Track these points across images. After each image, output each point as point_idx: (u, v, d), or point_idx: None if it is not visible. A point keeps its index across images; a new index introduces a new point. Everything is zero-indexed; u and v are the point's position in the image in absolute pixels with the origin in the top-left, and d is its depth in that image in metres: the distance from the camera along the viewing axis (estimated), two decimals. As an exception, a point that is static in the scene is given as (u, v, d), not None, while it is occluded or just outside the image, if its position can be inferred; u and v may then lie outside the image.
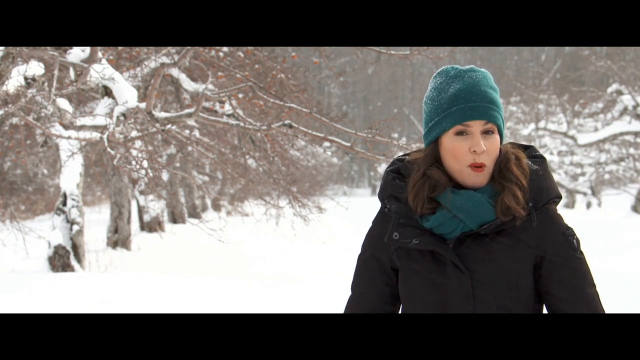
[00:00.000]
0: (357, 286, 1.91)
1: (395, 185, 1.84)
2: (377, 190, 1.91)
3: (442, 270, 1.76)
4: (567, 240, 1.77)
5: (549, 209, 1.79)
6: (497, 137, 1.78)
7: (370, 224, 1.93)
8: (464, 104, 1.76)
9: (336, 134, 6.75)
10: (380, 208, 1.90)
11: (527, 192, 1.76)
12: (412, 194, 1.79)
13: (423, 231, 1.78)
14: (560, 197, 1.81)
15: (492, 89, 1.79)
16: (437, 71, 1.87)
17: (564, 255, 1.76)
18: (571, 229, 1.80)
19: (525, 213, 1.74)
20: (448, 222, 1.76)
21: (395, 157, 1.95)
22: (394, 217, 1.83)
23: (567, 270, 1.75)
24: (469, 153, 1.75)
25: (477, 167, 1.75)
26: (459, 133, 1.76)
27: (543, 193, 1.78)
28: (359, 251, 1.95)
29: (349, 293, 1.95)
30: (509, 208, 1.73)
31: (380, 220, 1.89)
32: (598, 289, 1.80)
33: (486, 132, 1.76)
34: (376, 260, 1.87)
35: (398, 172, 1.87)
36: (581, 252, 1.79)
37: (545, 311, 1.82)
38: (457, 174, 1.77)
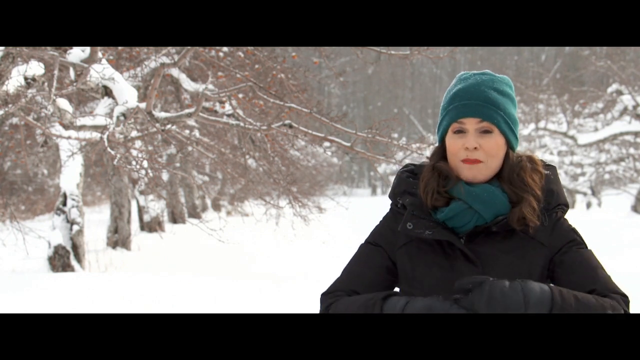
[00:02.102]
0: (351, 267, 1.89)
1: (409, 183, 1.89)
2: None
3: (453, 265, 1.77)
4: (577, 235, 1.82)
5: (558, 213, 1.84)
6: (497, 137, 1.78)
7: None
8: (459, 102, 1.80)
9: (336, 134, 6.75)
10: (391, 207, 1.93)
11: (541, 201, 1.80)
12: (422, 185, 1.84)
13: (436, 224, 1.80)
14: (567, 206, 1.85)
15: (495, 91, 1.81)
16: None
17: (576, 247, 1.80)
18: (577, 231, 1.86)
19: (539, 219, 1.79)
20: (462, 213, 1.78)
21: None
22: (408, 210, 1.85)
23: (581, 257, 1.78)
24: (462, 150, 1.78)
25: (470, 162, 1.78)
26: (457, 131, 1.80)
27: (554, 195, 1.83)
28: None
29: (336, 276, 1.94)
30: (524, 218, 1.76)
31: (391, 217, 1.91)
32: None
33: (483, 131, 1.78)
34: (381, 247, 1.88)
35: (411, 172, 1.93)
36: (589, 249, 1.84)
37: None
38: (456, 171, 1.82)
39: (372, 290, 1.82)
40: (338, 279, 1.91)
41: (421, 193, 1.83)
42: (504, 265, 1.75)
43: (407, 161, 6.09)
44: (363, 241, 1.94)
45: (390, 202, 1.95)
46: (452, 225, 1.79)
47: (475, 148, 1.76)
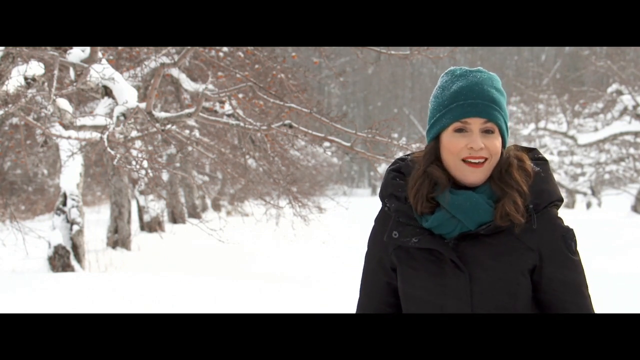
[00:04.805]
0: (363, 287, 1.93)
1: (395, 184, 1.85)
2: (378, 190, 1.92)
3: (441, 270, 1.76)
4: (565, 243, 1.77)
5: (550, 212, 1.79)
6: (498, 137, 1.77)
7: (371, 224, 1.93)
8: (464, 101, 1.76)
9: (336, 134, 6.75)
10: (381, 207, 1.90)
11: (527, 198, 1.76)
12: (412, 192, 1.80)
13: (422, 230, 1.79)
14: (561, 201, 1.81)
15: (496, 90, 1.79)
16: (445, 71, 1.87)
17: (562, 259, 1.76)
18: (571, 230, 1.80)
19: (525, 218, 1.74)
20: (447, 222, 1.76)
21: (398, 157, 1.95)
22: (393, 216, 1.84)
23: (565, 274, 1.75)
24: (465, 149, 1.75)
25: (474, 163, 1.75)
26: (458, 130, 1.76)
27: (544, 195, 1.78)
28: (359, 251, 1.96)
29: (351, 292, 1.96)
30: (507, 214, 1.73)
31: (381, 220, 1.89)
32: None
33: (486, 131, 1.76)
34: (378, 260, 1.88)
35: (399, 170, 1.88)
36: (578, 255, 1.79)
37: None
38: (453, 170, 1.77)
39: (388, 302, 1.88)
40: (358, 299, 1.95)
41: (411, 199, 1.80)
42: (492, 270, 1.74)
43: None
44: (366, 248, 1.94)
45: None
46: (439, 232, 1.77)
47: (481, 148, 1.74)
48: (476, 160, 1.75)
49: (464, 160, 1.76)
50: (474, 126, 1.75)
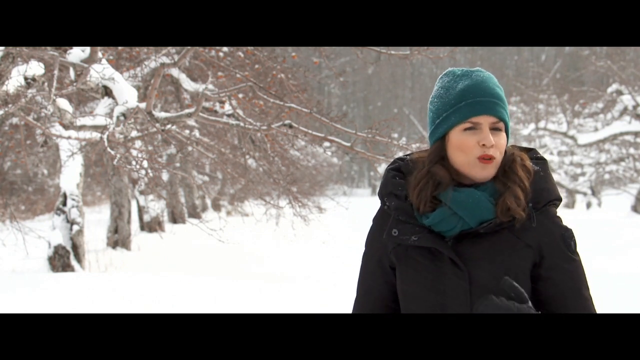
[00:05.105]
0: (360, 286, 1.93)
1: (395, 183, 1.85)
2: (378, 189, 1.91)
3: (440, 269, 1.76)
4: (565, 242, 1.77)
5: (549, 211, 1.79)
6: (504, 135, 1.78)
7: (371, 223, 1.93)
8: (472, 99, 1.76)
9: (336, 134, 6.75)
10: (380, 206, 1.90)
11: (528, 194, 1.77)
12: (415, 191, 1.80)
13: (422, 228, 1.79)
14: (560, 200, 1.81)
15: (498, 88, 1.81)
16: (444, 72, 1.87)
17: (561, 257, 1.76)
18: (570, 230, 1.80)
19: (525, 214, 1.75)
20: (448, 219, 1.76)
21: (397, 156, 1.96)
22: (393, 214, 1.84)
23: (565, 273, 1.75)
24: (477, 146, 1.75)
25: (486, 159, 1.75)
26: (468, 128, 1.76)
27: (543, 194, 1.79)
28: (359, 251, 1.95)
29: (351, 292, 1.96)
30: (509, 209, 1.73)
31: (380, 219, 1.89)
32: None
33: (494, 129, 1.77)
34: (376, 259, 1.88)
35: (398, 170, 1.88)
36: (577, 254, 1.79)
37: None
38: (464, 168, 1.77)
39: (386, 301, 1.88)
40: (355, 298, 1.94)
41: (414, 199, 1.79)
42: (491, 269, 1.74)
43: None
44: (364, 247, 1.93)
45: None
46: (439, 230, 1.77)
47: (492, 145, 1.75)
48: (488, 157, 1.76)
49: (477, 158, 1.76)
50: (483, 124, 1.76)
